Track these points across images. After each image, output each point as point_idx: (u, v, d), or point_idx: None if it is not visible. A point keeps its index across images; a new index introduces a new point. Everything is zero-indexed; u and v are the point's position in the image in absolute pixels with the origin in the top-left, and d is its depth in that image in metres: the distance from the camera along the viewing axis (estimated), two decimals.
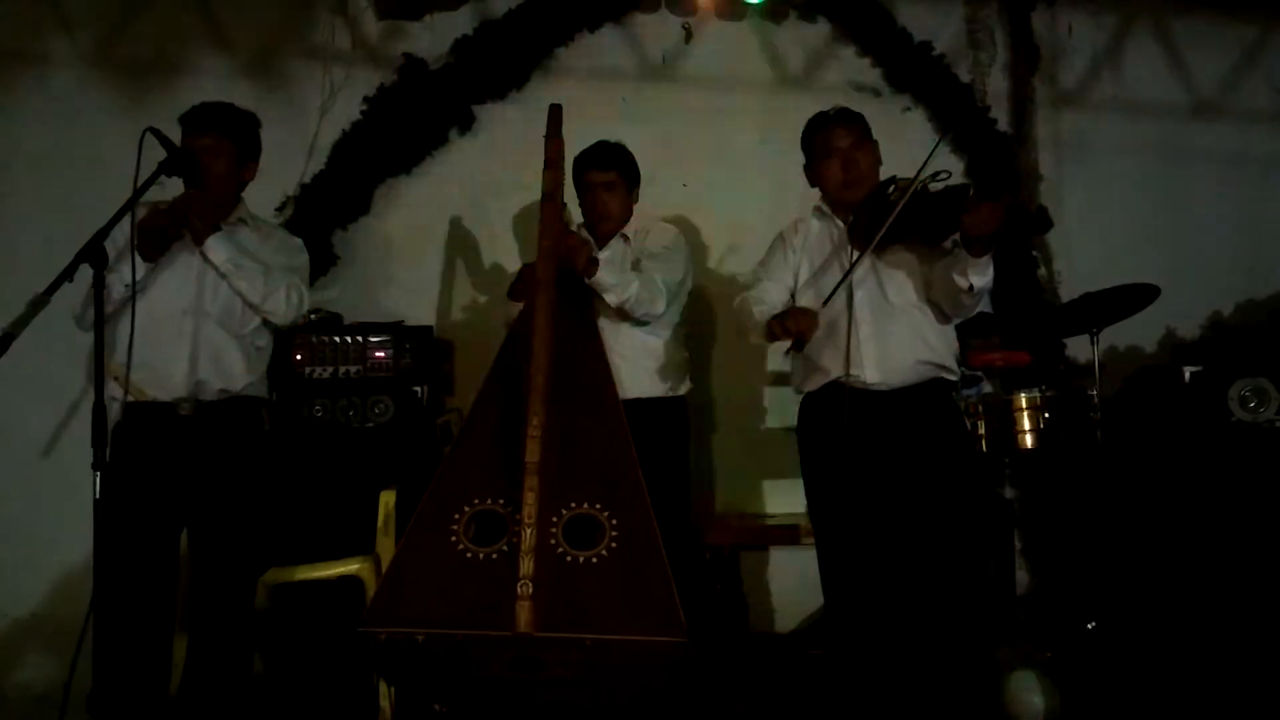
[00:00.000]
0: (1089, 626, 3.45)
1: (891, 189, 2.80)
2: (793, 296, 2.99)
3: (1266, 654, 3.21)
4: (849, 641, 2.90)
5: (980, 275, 2.64)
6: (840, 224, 2.95)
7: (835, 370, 2.83)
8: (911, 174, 2.77)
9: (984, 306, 2.96)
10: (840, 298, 2.79)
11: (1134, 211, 4.31)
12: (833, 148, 2.92)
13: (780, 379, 4.17)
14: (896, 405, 2.82)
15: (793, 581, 4.10)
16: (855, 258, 2.78)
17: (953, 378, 2.92)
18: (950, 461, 2.83)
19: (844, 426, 2.77)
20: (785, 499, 4.12)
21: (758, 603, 4.12)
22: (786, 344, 2.88)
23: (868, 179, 2.91)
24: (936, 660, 2.84)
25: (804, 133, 3.01)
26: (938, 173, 2.76)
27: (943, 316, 2.88)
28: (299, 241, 3.17)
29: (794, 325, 2.72)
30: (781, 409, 4.18)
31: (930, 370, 2.85)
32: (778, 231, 3.11)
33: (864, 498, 2.81)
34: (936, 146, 2.84)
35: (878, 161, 2.99)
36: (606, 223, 3.31)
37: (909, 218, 2.70)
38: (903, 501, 2.80)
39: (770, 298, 2.97)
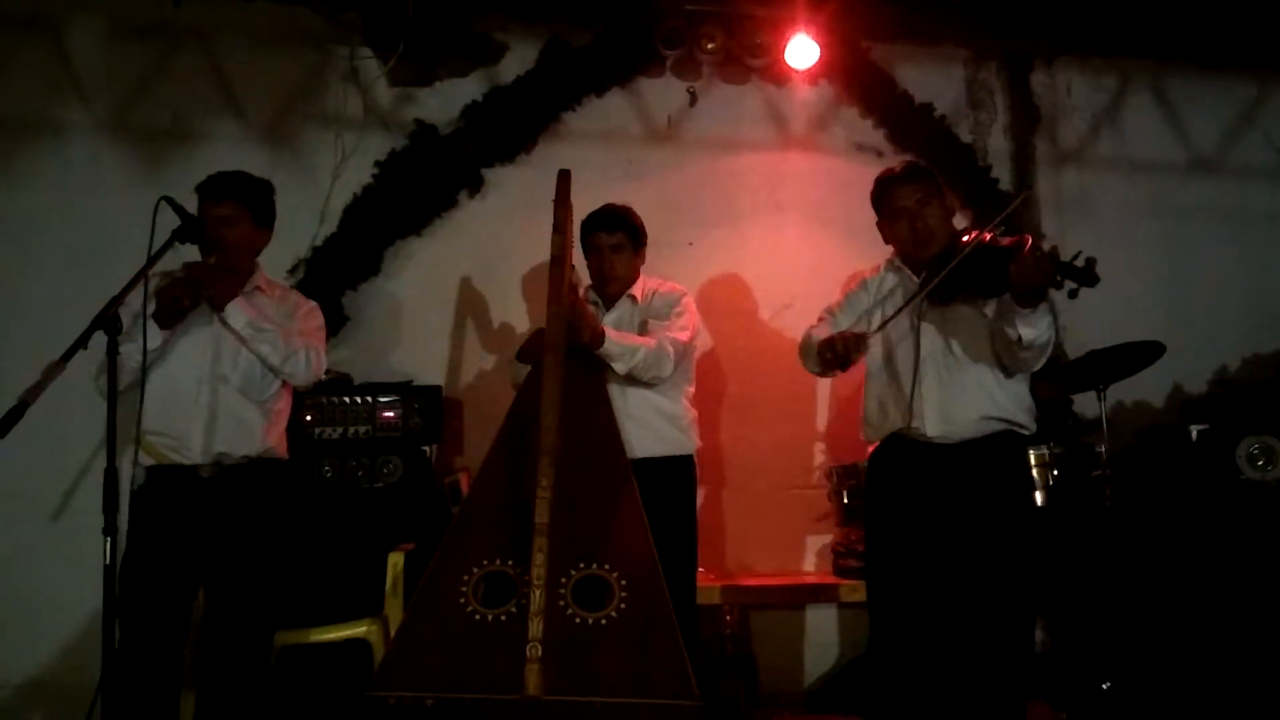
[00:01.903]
0: (1104, 686, 3.41)
1: (961, 243, 2.78)
2: None
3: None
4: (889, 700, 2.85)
5: (1029, 327, 2.61)
6: (913, 277, 2.91)
7: (897, 423, 2.84)
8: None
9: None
10: (906, 341, 2.81)
11: (1138, 268, 4.34)
12: (899, 206, 2.91)
13: (791, 439, 4.19)
14: (958, 459, 2.79)
15: (807, 640, 4.08)
16: (922, 306, 2.78)
17: (1025, 433, 2.87)
18: (1005, 520, 2.78)
19: (902, 478, 2.76)
20: (796, 557, 4.12)
21: (770, 664, 4.09)
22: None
23: (937, 235, 2.88)
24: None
25: (872, 191, 3.00)
26: (1004, 230, 2.77)
27: (1008, 371, 2.83)
28: (315, 304, 3.22)
29: (840, 346, 2.71)
30: (791, 468, 4.20)
31: (995, 425, 2.82)
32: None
33: (917, 552, 2.78)
34: (1016, 202, 2.85)
35: (950, 214, 2.97)
36: (614, 284, 3.34)
37: (971, 271, 2.70)
38: (954, 558, 2.77)
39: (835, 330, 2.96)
